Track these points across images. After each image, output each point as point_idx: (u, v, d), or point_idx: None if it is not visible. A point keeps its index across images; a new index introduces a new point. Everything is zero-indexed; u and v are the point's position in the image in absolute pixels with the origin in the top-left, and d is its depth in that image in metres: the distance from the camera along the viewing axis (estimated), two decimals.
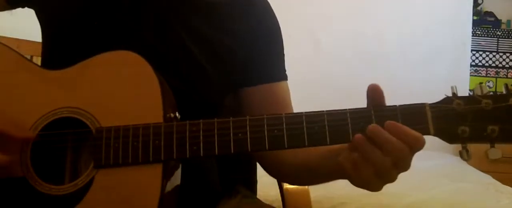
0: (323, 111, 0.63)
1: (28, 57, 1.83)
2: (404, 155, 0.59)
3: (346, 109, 0.63)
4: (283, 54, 0.91)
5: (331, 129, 0.62)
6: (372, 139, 0.59)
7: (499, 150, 0.60)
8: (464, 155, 0.61)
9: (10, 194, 0.68)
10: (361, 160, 0.60)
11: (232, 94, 0.89)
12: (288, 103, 0.88)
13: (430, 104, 0.61)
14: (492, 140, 0.60)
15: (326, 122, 0.62)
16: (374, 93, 0.62)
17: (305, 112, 0.63)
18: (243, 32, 0.85)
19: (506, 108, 0.59)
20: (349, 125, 0.62)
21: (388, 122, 0.60)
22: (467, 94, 0.63)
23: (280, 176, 0.88)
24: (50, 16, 0.84)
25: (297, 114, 0.64)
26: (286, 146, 0.63)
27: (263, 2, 0.91)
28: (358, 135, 0.60)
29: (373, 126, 0.60)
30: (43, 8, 0.85)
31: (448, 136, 0.60)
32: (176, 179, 0.69)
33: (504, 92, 0.60)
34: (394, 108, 0.62)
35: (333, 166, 0.68)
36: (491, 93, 0.61)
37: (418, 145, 0.59)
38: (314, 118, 0.63)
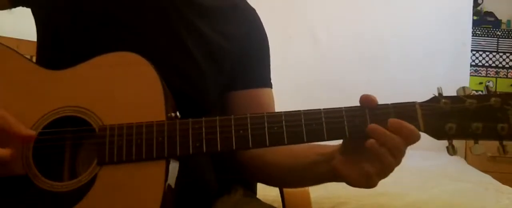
0: (320, 109, 0.67)
1: (28, 57, 1.83)
2: (401, 149, 0.63)
3: (342, 107, 0.66)
4: (270, 64, 0.94)
5: (328, 126, 0.66)
6: (378, 139, 0.63)
7: (482, 146, 0.65)
8: (450, 150, 0.66)
9: (12, 192, 0.68)
10: (370, 159, 0.64)
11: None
12: (272, 110, 0.90)
13: (420, 102, 0.66)
14: (476, 137, 0.65)
15: (323, 120, 0.66)
16: (369, 104, 0.66)
17: (303, 110, 0.67)
18: (237, 37, 0.88)
19: (488, 107, 0.64)
20: (345, 122, 0.65)
21: (392, 120, 0.64)
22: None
23: (265, 178, 0.88)
24: (48, 16, 0.85)
25: (296, 112, 0.67)
26: (286, 143, 0.66)
27: (252, 10, 0.94)
28: (372, 140, 0.63)
29: (375, 127, 0.64)
30: (42, 7, 0.86)
31: (436, 132, 0.65)
32: (177, 176, 0.70)
33: (486, 93, 0.66)
34: (386, 106, 0.66)
35: (325, 170, 0.71)
36: (474, 93, 0.66)
37: (414, 138, 0.63)
38: (312, 116, 0.66)
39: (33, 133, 0.68)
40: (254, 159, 0.84)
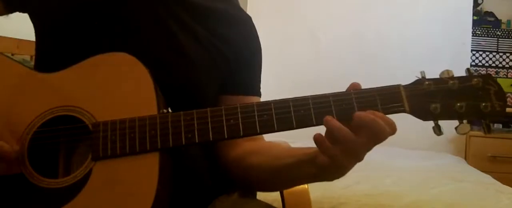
0: (307, 96, 0.68)
1: (28, 57, 1.83)
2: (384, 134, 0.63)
3: (328, 94, 0.68)
4: (260, 73, 0.94)
5: (316, 111, 0.67)
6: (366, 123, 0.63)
7: (467, 125, 0.67)
8: (436, 131, 0.67)
9: (9, 191, 0.69)
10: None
11: None
12: None
13: (404, 85, 0.68)
14: (460, 116, 0.66)
15: (311, 106, 0.67)
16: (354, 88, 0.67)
17: (291, 98, 0.68)
18: (233, 41, 0.88)
19: (470, 87, 0.67)
20: (332, 107, 0.67)
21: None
22: None
23: (246, 180, 0.87)
24: (45, 20, 0.85)
25: (284, 99, 0.68)
26: (276, 129, 0.67)
27: (248, 20, 0.95)
28: (329, 117, 0.64)
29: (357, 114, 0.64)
30: (38, 12, 0.86)
31: (422, 113, 0.66)
32: (171, 169, 0.71)
33: (467, 75, 0.68)
34: (372, 90, 0.67)
35: (308, 170, 0.71)
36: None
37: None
38: (300, 102, 0.68)
39: (16, 148, 0.69)
40: (236, 161, 0.84)
